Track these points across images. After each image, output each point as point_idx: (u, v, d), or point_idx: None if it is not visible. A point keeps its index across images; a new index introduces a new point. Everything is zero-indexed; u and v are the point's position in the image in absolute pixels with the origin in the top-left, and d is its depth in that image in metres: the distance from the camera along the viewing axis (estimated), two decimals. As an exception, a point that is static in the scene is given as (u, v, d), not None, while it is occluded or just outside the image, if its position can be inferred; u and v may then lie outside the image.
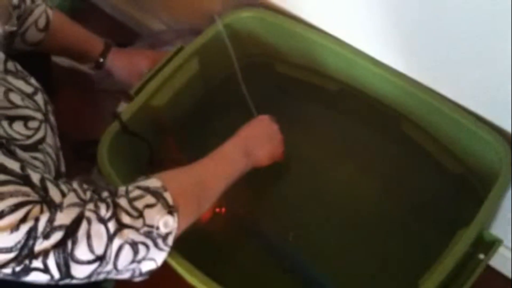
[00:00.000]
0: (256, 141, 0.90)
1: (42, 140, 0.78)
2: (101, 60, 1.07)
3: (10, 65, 0.83)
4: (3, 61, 0.82)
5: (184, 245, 0.74)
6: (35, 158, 0.74)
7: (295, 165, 1.03)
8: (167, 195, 0.71)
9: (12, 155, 0.68)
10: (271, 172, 0.94)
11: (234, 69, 1.03)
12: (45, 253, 0.63)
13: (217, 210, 0.99)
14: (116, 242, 0.66)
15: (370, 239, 0.96)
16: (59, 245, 0.63)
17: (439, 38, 0.79)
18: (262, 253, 0.98)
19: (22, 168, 0.65)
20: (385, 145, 1.05)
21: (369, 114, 1.03)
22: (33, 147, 0.75)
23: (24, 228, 0.61)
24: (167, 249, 0.71)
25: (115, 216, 0.67)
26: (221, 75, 1.09)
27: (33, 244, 0.62)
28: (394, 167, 1.03)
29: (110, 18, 1.59)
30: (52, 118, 0.85)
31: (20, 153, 0.72)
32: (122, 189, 0.72)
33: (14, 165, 0.64)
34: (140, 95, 0.97)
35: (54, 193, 0.66)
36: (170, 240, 0.71)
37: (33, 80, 0.86)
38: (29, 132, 0.76)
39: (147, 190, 0.71)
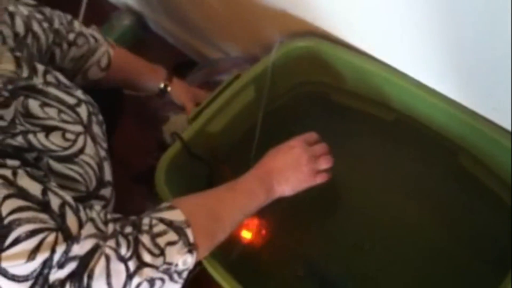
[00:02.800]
0: (279, 173, 0.86)
1: (79, 152, 0.80)
2: (164, 88, 1.11)
3: (50, 77, 0.85)
4: (42, 73, 0.84)
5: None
6: (70, 169, 0.77)
7: (347, 195, 1.04)
8: (189, 232, 0.74)
9: (35, 177, 0.68)
10: (322, 201, 0.93)
11: (289, 97, 1.04)
12: (61, 283, 0.65)
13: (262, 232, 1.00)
14: (135, 280, 0.68)
15: (426, 276, 0.95)
16: (74, 276, 0.65)
17: (499, 68, 0.78)
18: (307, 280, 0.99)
19: (44, 192, 0.66)
20: (441, 177, 1.04)
21: (426, 145, 1.03)
22: (69, 159, 0.77)
23: (40, 258, 0.63)
24: (181, 281, 0.74)
25: (136, 254, 0.69)
26: (277, 103, 1.11)
27: (48, 273, 0.64)
28: (451, 200, 1.02)
29: (170, 46, 1.64)
30: (95, 128, 0.87)
31: (53, 164, 0.74)
32: (146, 223, 0.73)
33: (36, 190, 0.66)
34: (196, 122, 1.00)
35: (71, 222, 0.67)
36: (185, 274, 0.74)
37: (78, 92, 0.88)
38: (66, 144, 0.78)
39: (171, 225, 0.73)
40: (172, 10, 1.51)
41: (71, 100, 0.84)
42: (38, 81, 0.81)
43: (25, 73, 0.80)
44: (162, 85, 1.11)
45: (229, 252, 0.99)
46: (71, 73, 0.99)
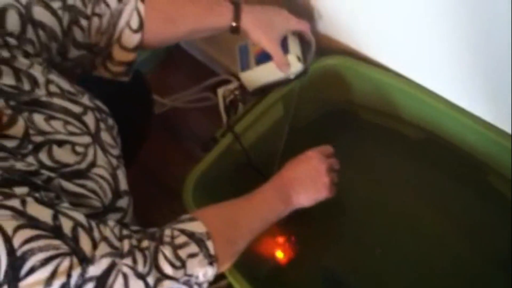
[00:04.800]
0: (298, 183, 0.88)
1: (92, 165, 0.78)
2: (234, 24, 0.95)
3: (53, 87, 0.81)
4: (44, 84, 0.79)
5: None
6: (83, 186, 0.75)
7: (373, 213, 1.05)
8: (210, 244, 0.75)
9: (45, 203, 0.67)
10: (348, 216, 0.94)
11: (318, 115, 1.06)
12: None
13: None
14: None
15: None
16: None
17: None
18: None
19: (54, 217, 0.65)
20: (470, 197, 1.05)
21: (454, 164, 1.04)
22: (81, 174, 0.76)
23: (57, 284, 0.63)
24: None
25: (155, 267, 0.70)
26: (306, 120, 1.13)
27: None
28: (480, 220, 1.02)
29: (199, 63, 1.68)
30: (104, 135, 0.84)
31: (65, 184, 0.73)
32: (168, 234, 0.74)
33: (46, 216, 0.65)
34: (225, 138, 1.02)
35: (84, 243, 0.66)
36: (205, 286, 0.75)
37: (84, 99, 0.84)
38: (78, 158, 0.77)
39: (192, 237, 0.75)
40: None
41: (76, 109, 0.81)
42: (41, 92, 0.78)
43: (26, 86, 0.77)
44: (234, 24, 0.95)
45: (255, 269, 1.01)
46: (106, 47, 0.90)
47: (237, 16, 0.94)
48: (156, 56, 1.66)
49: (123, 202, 0.82)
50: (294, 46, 1.01)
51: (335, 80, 1.09)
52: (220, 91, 1.27)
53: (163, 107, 1.58)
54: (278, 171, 0.90)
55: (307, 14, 1.09)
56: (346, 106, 1.14)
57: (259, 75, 1.03)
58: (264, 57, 1.01)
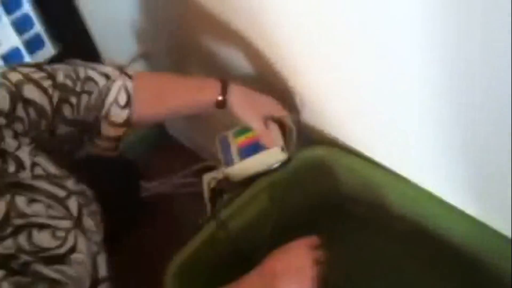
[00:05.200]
0: (281, 274, 0.86)
1: (71, 250, 0.77)
2: (221, 98, 0.98)
3: (39, 169, 0.81)
4: (30, 166, 0.79)
5: None
6: (61, 272, 0.74)
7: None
8: None
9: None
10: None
11: (306, 205, 1.09)
12: None
13: None
14: None
15: None
16: None
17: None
18: None
19: None
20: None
21: (440, 259, 1.02)
22: (61, 259, 0.75)
23: None
24: None
25: None
26: (293, 210, 1.11)
27: None
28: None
29: (188, 151, 1.70)
30: (87, 221, 0.83)
31: (42, 269, 0.72)
32: None
33: None
34: (209, 225, 1.01)
35: None
36: None
37: (69, 183, 0.84)
38: (57, 242, 0.76)
39: None
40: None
41: (60, 193, 0.81)
42: (25, 175, 0.78)
43: (11, 168, 0.77)
44: (215, 103, 0.98)
45: None
46: (94, 123, 0.93)
47: (223, 90, 0.98)
48: (143, 141, 1.68)
49: None
50: (276, 135, 1.02)
51: (321, 171, 1.10)
52: (206, 178, 1.26)
53: (148, 192, 1.58)
54: (263, 261, 0.89)
55: (290, 102, 1.11)
56: (333, 197, 1.14)
57: (244, 168, 1.03)
58: (248, 150, 1.03)
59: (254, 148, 1.02)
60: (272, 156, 1.02)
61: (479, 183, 0.85)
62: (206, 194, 1.23)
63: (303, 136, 1.06)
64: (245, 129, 1.05)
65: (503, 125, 0.70)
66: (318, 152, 1.08)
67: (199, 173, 1.39)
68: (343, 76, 0.93)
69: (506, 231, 0.88)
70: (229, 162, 1.03)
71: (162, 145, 1.71)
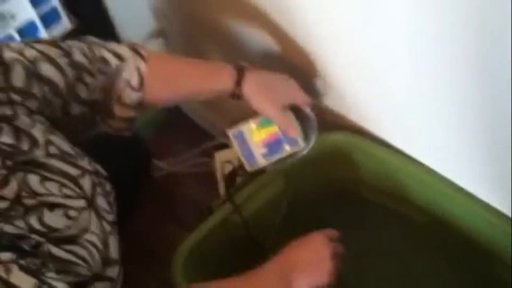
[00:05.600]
0: (300, 267, 0.85)
1: (84, 230, 0.76)
2: (235, 90, 0.93)
3: (53, 148, 0.79)
4: (44, 144, 0.78)
5: None
6: (72, 253, 0.72)
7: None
8: None
9: (30, 270, 0.65)
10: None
11: (322, 191, 1.06)
12: None
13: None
14: None
15: None
16: None
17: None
18: None
19: (38, 287, 0.64)
20: (472, 285, 1.01)
21: (459, 251, 1.01)
22: (73, 240, 0.74)
23: None
24: None
25: None
26: (307, 197, 1.10)
27: None
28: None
29: (199, 128, 1.67)
30: (100, 200, 0.82)
31: (53, 250, 0.71)
32: None
33: (29, 286, 0.63)
34: (222, 208, 0.99)
35: None
36: None
37: (84, 162, 0.82)
38: (69, 223, 0.74)
39: None
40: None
41: (74, 172, 0.79)
42: (39, 153, 0.77)
43: (25, 145, 0.75)
44: (230, 94, 0.93)
45: None
46: (107, 104, 0.91)
47: (238, 82, 0.93)
48: (156, 120, 1.66)
49: (112, 272, 0.79)
50: (298, 127, 0.98)
51: (339, 157, 1.08)
52: (218, 156, 1.25)
53: (160, 171, 1.57)
54: (280, 251, 0.87)
55: (313, 86, 1.08)
56: (350, 185, 1.12)
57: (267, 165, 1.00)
58: (270, 149, 0.98)
59: (276, 144, 0.98)
60: (296, 152, 0.99)
61: (504, 176, 0.83)
62: (219, 174, 1.22)
63: (321, 121, 1.02)
64: (263, 123, 0.99)
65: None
66: (337, 137, 1.06)
67: (211, 151, 1.39)
68: (367, 60, 0.90)
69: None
70: (251, 161, 0.98)
71: (174, 123, 1.68)
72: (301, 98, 0.98)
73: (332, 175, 1.10)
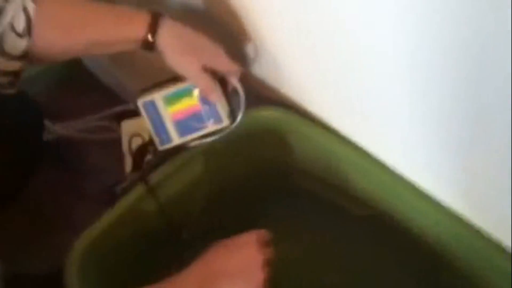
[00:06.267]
0: (225, 277, 0.73)
1: None
2: (148, 38, 0.80)
3: None
4: None
5: None
6: None
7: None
8: None
9: None
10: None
11: (248, 175, 0.98)
12: None
13: None
14: None
15: None
16: None
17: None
18: None
19: None
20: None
21: (403, 252, 0.93)
22: None
23: None
24: None
25: None
26: (231, 181, 0.99)
27: None
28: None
29: (105, 88, 1.52)
30: None
31: None
32: None
33: None
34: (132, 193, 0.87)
35: None
36: None
37: None
38: None
39: None
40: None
41: None
42: None
43: None
44: (141, 44, 0.81)
45: None
46: None
47: (152, 30, 0.80)
48: (51, 73, 1.50)
49: None
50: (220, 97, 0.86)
51: (270, 138, 0.97)
52: (125, 127, 1.10)
53: (52, 135, 1.40)
54: (201, 256, 0.74)
55: (242, 51, 0.95)
56: (282, 170, 1.01)
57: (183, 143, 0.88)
58: (187, 124, 0.86)
59: (194, 119, 0.86)
60: (218, 130, 0.87)
61: (465, 175, 0.76)
62: (125, 147, 1.08)
63: (250, 94, 0.90)
64: (180, 92, 0.86)
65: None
66: (268, 113, 0.95)
67: (116, 118, 1.31)
68: (310, 23, 0.79)
69: (485, 229, 0.80)
70: (163, 137, 0.86)
71: (74, 79, 1.52)
72: (226, 65, 0.85)
73: (262, 158, 0.99)
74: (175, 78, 0.85)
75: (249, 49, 0.95)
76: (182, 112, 0.86)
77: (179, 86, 0.85)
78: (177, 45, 0.82)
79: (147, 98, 0.85)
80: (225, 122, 0.85)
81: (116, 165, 1.15)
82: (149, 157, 0.98)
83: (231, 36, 0.94)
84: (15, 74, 0.80)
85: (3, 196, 1.07)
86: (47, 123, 1.34)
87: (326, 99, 0.90)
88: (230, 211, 0.98)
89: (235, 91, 0.87)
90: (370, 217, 0.94)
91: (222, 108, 0.85)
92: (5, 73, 0.79)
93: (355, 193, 0.94)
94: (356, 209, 0.95)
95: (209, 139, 0.88)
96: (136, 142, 1.05)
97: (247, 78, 0.92)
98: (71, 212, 1.28)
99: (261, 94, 0.99)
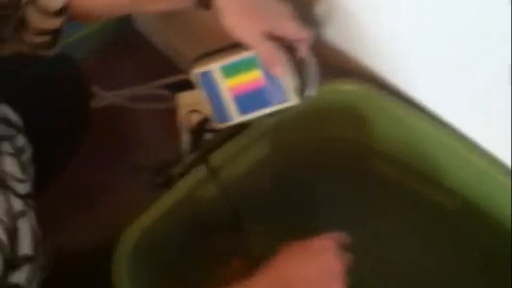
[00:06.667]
0: (299, 286, 0.66)
1: None
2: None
3: None
4: None
5: None
6: None
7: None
8: None
9: None
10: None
11: (318, 157, 0.91)
12: None
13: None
14: None
15: None
16: None
17: None
18: None
19: None
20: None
21: (503, 248, 0.83)
22: None
23: None
24: None
25: None
26: (301, 163, 0.93)
27: None
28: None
29: (159, 53, 1.46)
30: (8, 163, 0.67)
31: None
32: None
33: None
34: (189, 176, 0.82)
35: None
36: None
37: None
38: None
39: None
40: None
41: None
42: None
43: None
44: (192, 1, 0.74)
45: None
46: (16, 8, 0.71)
47: None
48: (100, 36, 1.44)
49: (20, 276, 0.62)
50: (289, 72, 0.75)
51: (344, 114, 0.91)
52: (181, 100, 1.05)
53: (101, 103, 1.36)
54: (273, 259, 0.67)
55: (312, 12, 0.87)
56: (356, 150, 0.94)
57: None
58: (248, 101, 0.77)
59: (256, 95, 0.76)
60: (284, 107, 0.77)
61: None
62: (182, 123, 1.01)
63: (322, 64, 0.81)
64: (238, 62, 0.76)
65: None
66: (344, 87, 0.88)
67: (172, 88, 1.26)
68: None
69: None
70: (221, 115, 0.78)
71: (124, 43, 1.46)
72: (295, 30, 0.74)
73: (335, 139, 0.93)
74: (238, 45, 0.74)
75: (321, 9, 0.86)
76: (243, 86, 0.77)
77: (241, 55, 0.75)
78: (236, 4, 0.72)
79: (203, 68, 0.76)
80: (293, 99, 0.75)
81: (170, 140, 1.10)
82: (208, 135, 0.91)
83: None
84: (54, 33, 0.74)
85: (50, 166, 1.04)
86: (95, 89, 1.31)
87: (416, 72, 0.81)
88: (295, 197, 0.91)
89: (304, 61, 0.76)
90: (461, 210, 0.87)
91: (289, 83, 0.74)
92: (42, 32, 0.73)
93: (444, 181, 0.86)
94: (445, 200, 0.88)
95: (274, 117, 0.79)
96: (194, 118, 0.99)
97: (319, 45, 0.81)
98: (118, 187, 1.24)
99: (334, 64, 0.90)
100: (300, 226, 0.82)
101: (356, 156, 0.94)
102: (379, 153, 0.92)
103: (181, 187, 0.81)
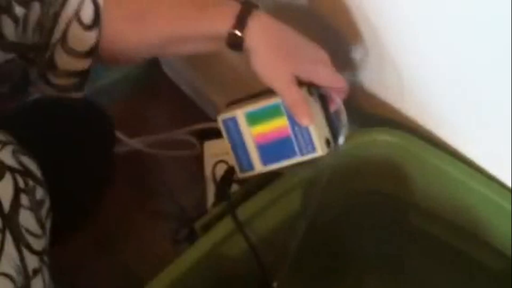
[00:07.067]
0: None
1: None
2: (236, 32, 0.68)
3: None
4: None
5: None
6: None
7: None
8: None
9: None
10: None
11: (351, 211, 0.86)
12: None
13: None
14: None
15: None
16: None
17: None
18: None
19: None
20: None
21: None
22: None
23: None
24: None
25: None
26: (331, 216, 0.89)
27: None
28: None
29: (183, 96, 1.47)
30: (24, 217, 0.64)
31: None
32: None
33: None
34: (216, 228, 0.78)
35: None
36: None
37: (3, 152, 0.66)
38: None
39: None
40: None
41: None
42: None
43: None
44: (226, 40, 0.69)
45: None
46: (44, 49, 0.69)
47: (241, 22, 0.67)
48: (126, 82, 1.45)
49: None
50: (318, 120, 0.72)
51: (382, 167, 0.86)
52: (208, 149, 1.02)
53: (124, 148, 1.35)
54: None
55: (347, 55, 0.83)
56: (394, 204, 0.89)
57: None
58: (272, 151, 0.74)
59: (281, 145, 0.73)
60: (310, 158, 0.74)
61: None
62: (208, 172, 0.98)
63: (356, 111, 0.79)
64: (264, 109, 0.73)
65: None
66: (380, 137, 0.83)
67: (198, 135, 1.24)
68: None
69: None
70: (244, 163, 0.76)
71: (150, 88, 1.47)
72: (330, 78, 0.71)
73: (370, 192, 0.89)
74: (272, 91, 0.71)
75: (358, 54, 0.82)
76: (268, 134, 0.74)
77: (268, 101, 0.72)
78: (268, 45, 0.68)
79: (229, 114, 0.74)
80: (321, 150, 0.71)
81: (194, 188, 1.09)
82: (235, 186, 0.87)
83: (336, 38, 0.81)
84: (82, 74, 0.72)
85: (75, 215, 1.02)
86: (120, 135, 1.29)
87: (461, 121, 0.77)
88: (328, 253, 0.88)
89: (336, 109, 0.72)
90: (508, 271, 0.80)
91: (317, 133, 0.71)
92: (71, 74, 0.71)
93: (490, 239, 0.80)
94: (490, 260, 0.82)
95: (305, 169, 0.75)
96: (221, 168, 0.96)
97: (353, 91, 0.78)
98: (140, 234, 1.23)
99: (369, 112, 0.88)
100: (333, 284, 0.79)
101: (393, 210, 0.90)
102: (419, 208, 0.88)
103: (205, 242, 0.77)
